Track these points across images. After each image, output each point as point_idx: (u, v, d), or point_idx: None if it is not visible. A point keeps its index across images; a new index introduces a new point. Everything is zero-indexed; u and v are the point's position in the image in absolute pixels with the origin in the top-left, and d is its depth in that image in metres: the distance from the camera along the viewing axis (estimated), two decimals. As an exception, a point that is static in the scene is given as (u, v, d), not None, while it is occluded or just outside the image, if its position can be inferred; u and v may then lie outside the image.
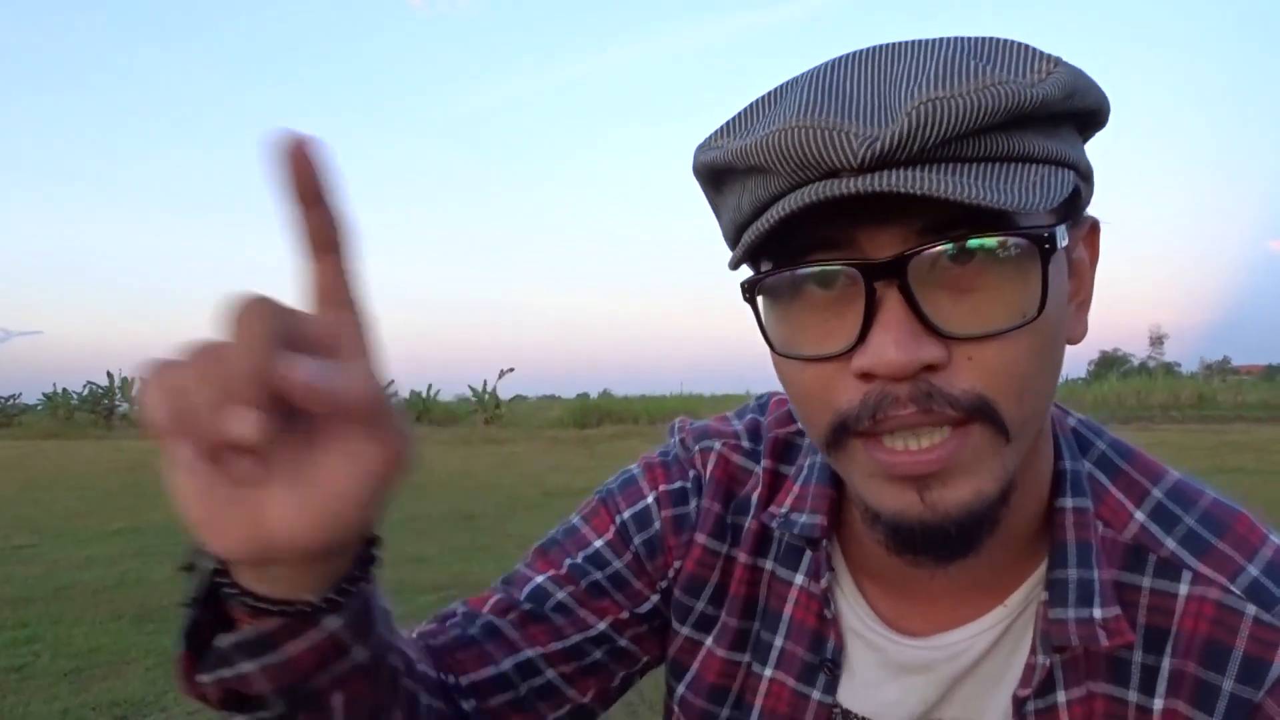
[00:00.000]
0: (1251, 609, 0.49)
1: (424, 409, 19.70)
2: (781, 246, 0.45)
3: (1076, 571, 0.52)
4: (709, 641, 0.63)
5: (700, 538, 0.63)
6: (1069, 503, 0.54)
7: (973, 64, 0.43)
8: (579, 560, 0.63)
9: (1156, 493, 0.55)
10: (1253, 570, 0.51)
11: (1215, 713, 0.49)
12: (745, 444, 0.65)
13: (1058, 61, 0.44)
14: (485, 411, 18.98)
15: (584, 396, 23.37)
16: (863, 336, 0.43)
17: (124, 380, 20.99)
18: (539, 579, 0.63)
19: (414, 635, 0.61)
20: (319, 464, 0.36)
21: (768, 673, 0.61)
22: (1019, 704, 0.53)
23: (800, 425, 0.63)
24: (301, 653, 0.41)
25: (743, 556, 0.62)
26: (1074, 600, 0.51)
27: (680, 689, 0.65)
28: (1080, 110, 0.46)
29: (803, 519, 0.59)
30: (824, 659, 0.59)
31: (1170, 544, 0.53)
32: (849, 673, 0.59)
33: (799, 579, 0.61)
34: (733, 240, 0.50)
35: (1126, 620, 0.51)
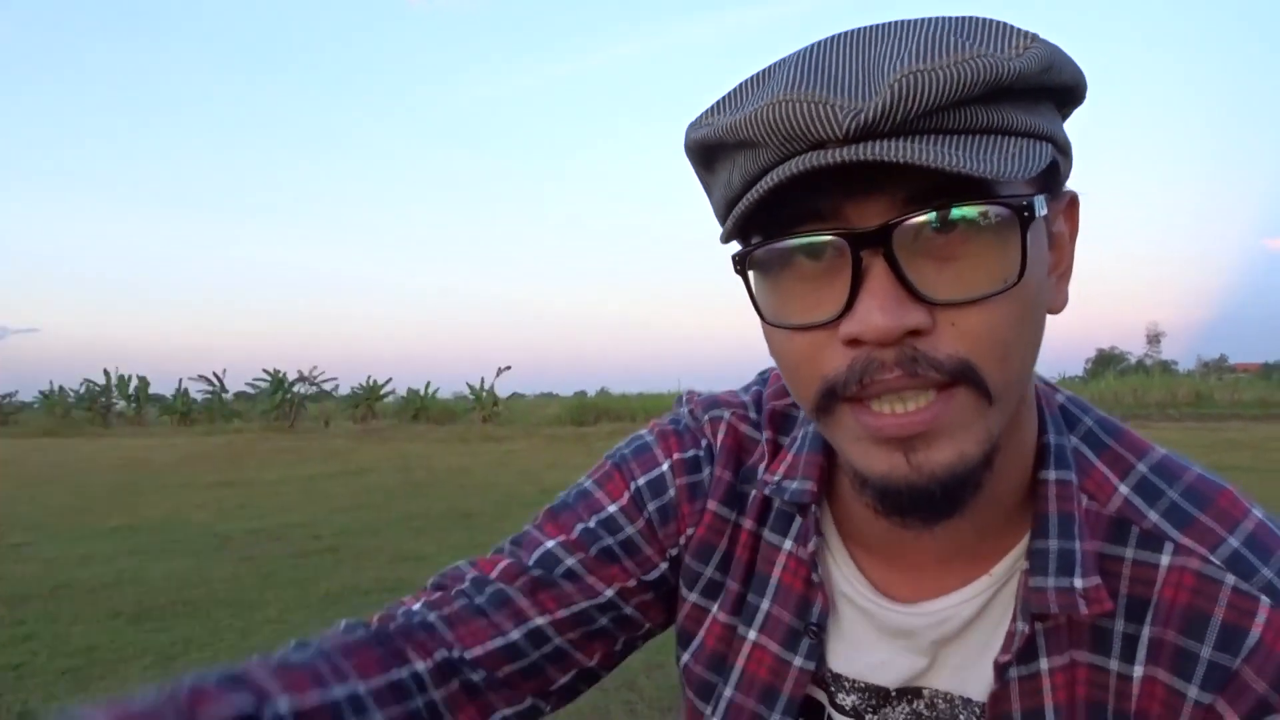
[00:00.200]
0: (1230, 578, 0.51)
1: (422, 406, 19.69)
2: (770, 219, 0.47)
3: (1058, 542, 0.53)
4: (714, 609, 0.64)
5: (712, 504, 0.64)
6: (1052, 475, 0.55)
7: (953, 39, 0.44)
8: (591, 524, 0.64)
9: (1141, 467, 0.56)
10: (1233, 542, 0.52)
11: (1193, 679, 0.50)
12: (752, 415, 0.67)
13: (1035, 37, 0.46)
14: (483, 409, 18.99)
15: (581, 394, 23.38)
16: (849, 304, 0.45)
17: (120, 378, 20.97)
18: (549, 544, 0.63)
19: (417, 604, 0.63)
20: None
21: (751, 635, 0.62)
22: (1000, 670, 0.54)
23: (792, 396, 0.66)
24: None
25: (748, 524, 0.64)
26: (1054, 570, 0.53)
27: (685, 657, 0.66)
28: (1057, 85, 0.47)
29: (794, 485, 0.60)
30: (809, 624, 0.60)
31: (1153, 516, 0.54)
32: (839, 635, 0.60)
33: (787, 544, 0.62)
34: (723, 215, 0.51)
35: (1107, 590, 0.53)
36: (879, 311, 0.44)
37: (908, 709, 0.59)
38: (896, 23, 0.47)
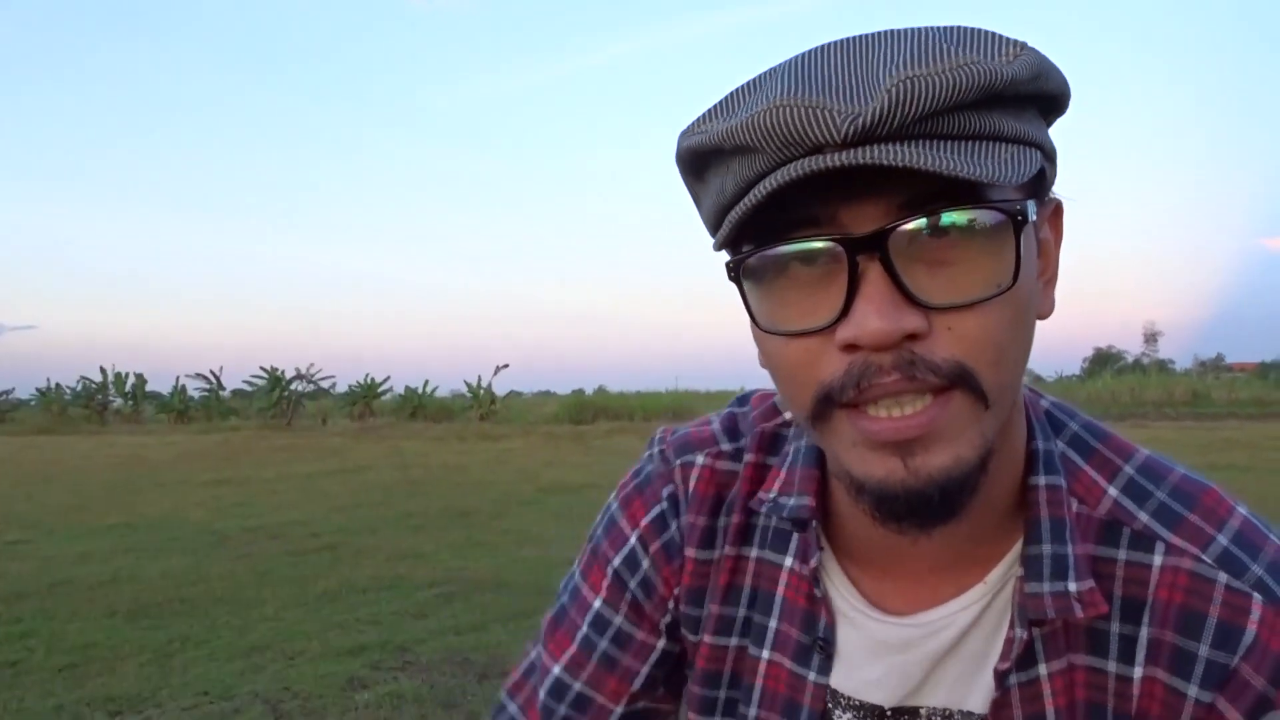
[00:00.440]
0: (1223, 577, 0.52)
1: (419, 405, 19.68)
2: (764, 226, 0.47)
3: (1051, 547, 0.54)
4: (702, 635, 0.65)
5: (690, 552, 0.65)
6: (1041, 480, 0.55)
7: (946, 46, 0.45)
8: (585, 630, 0.66)
9: (1128, 469, 0.57)
10: (1222, 540, 0.53)
11: (1192, 678, 0.51)
12: (725, 446, 0.67)
13: (1025, 46, 0.47)
14: (481, 407, 18.98)
15: (579, 392, 23.38)
16: (846, 309, 0.45)
17: (117, 376, 20.94)
18: (555, 670, 0.67)
19: None
20: None
21: (765, 654, 0.63)
22: (1000, 677, 0.54)
23: (784, 412, 0.66)
24: None
25: (727, 549, 0.64)
26: (1049, 574, 0.53)
27: (689, 685, 0.67)
28: (1045, 93, 0.48)
29: (791, 501, 0.60)
30: (816, 638, 0.60)
31: (1143, 517, 0.55)
32: (836, 654, 0.60)
33: (788, 561, 0.62)
34: (715, 223, 0.51)
35: (1101, 592, 0.53)
36: (876, 316, 0.44)
37: None
38: (888, 31, 0.47)
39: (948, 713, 0.57)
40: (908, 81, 0.42)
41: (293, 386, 19.77)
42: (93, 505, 7.51)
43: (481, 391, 19.41)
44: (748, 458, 0.65)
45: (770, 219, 0.46)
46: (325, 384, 20.45)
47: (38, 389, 21.46)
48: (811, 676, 0.60)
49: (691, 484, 0.65)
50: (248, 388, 20.78)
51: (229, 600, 4.40)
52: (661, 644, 0.66)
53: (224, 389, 21.26)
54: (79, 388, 20.86)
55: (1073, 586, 0.52)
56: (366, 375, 20.64)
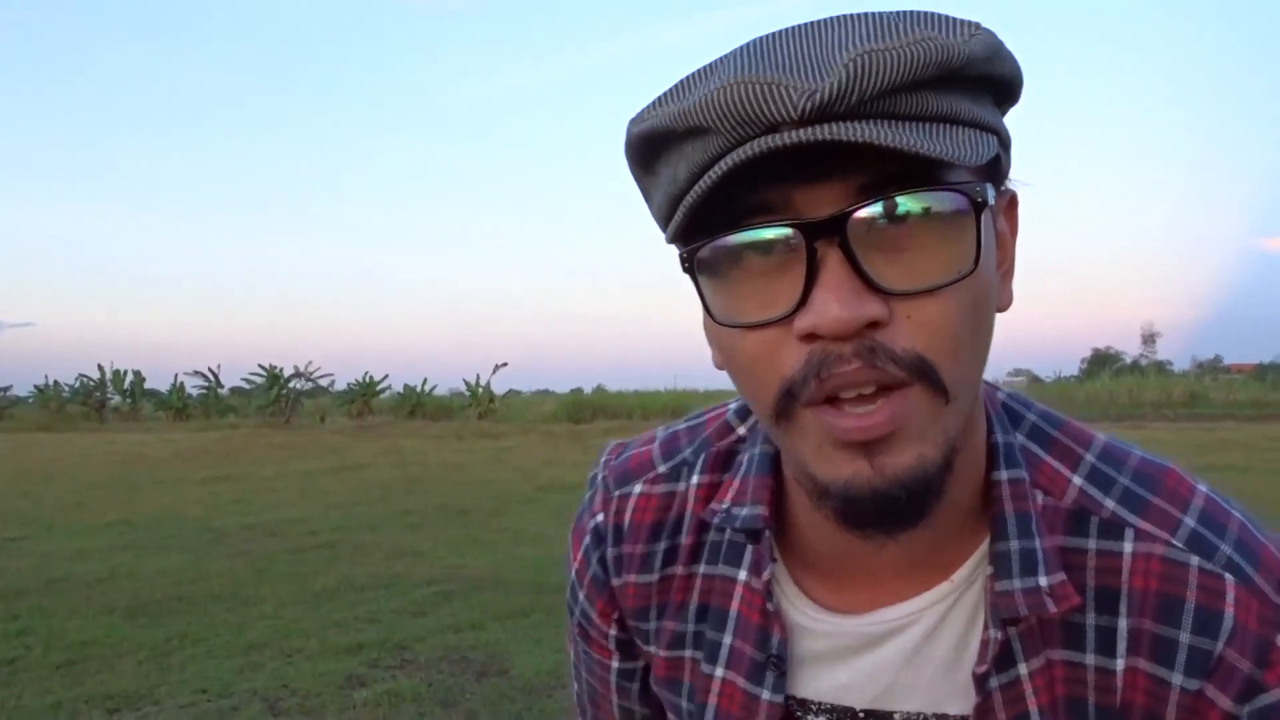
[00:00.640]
0: (1195, 560, 0.51)
1: (418, 403, 19.67)
2: (718, 214, 0.45)
3: (1018, 542, 0.53)
4: (653, 648, 0.66)
5: (630, 578, 0.65)
6: (1004, 475, 0.54)
7: (903, 24, 0.44)
8: (613, 695, 0.71)
9: (1089, 457, 0.56)
10: (1189, 521, 0.53)
11: (1176, 666, 0.51)
12: (662, 469, 0.66)
13: (980, 26, 0.46)
14: (479, 406, 18.97)
15: (578, 391, 23.38)
16: (805, 297, 0.44)
17: (115, 373, 20.93)
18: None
19: None
20: None
21: (719, 672, 0.62)
22: (980, 681, 0.53)
23: (738, 428, 0.65)
24: None
25: (680, 569, 0.64)
26: (1018, 571, 0.52)
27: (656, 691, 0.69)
28: (1000, 77, 0.47)
29: (744, 511, 0.58)
30: (770, 655, 0.59)
31: (1110, 504, 0.54)
32: (798, 661, 0.59)
33: (742, 575, 0.61)
34: (667, 215, 0.49)
35: (1074, 584, 0.52)
36: (836, 303, 0.43)
37: None
38: (843, 15, 0.46)
39: (924, 717, 0.56)
40: (865, 56, 0.41)
41: (291, 384, 19.75)
42: (91, 503, 7.51)
43: (480, 390, 19.40)
44: (700, 479, 0.64)
45: (723, 207, 0.45)
46: (324, 382, 20.46)
47: (36, 386, 21.46)
48: (765, 695, 0.59)
49: (628, 515, 0.65)
50: (246, 385, 20.78)
51: (227, 598, 4.40)
52: (616, 662, 0.69)
53: (222, 387, 21.26)
54: (77, 385, 20.86)
55: (1044, 581, 0.51)
56: (365, 373, 20.66)
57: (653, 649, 0.66)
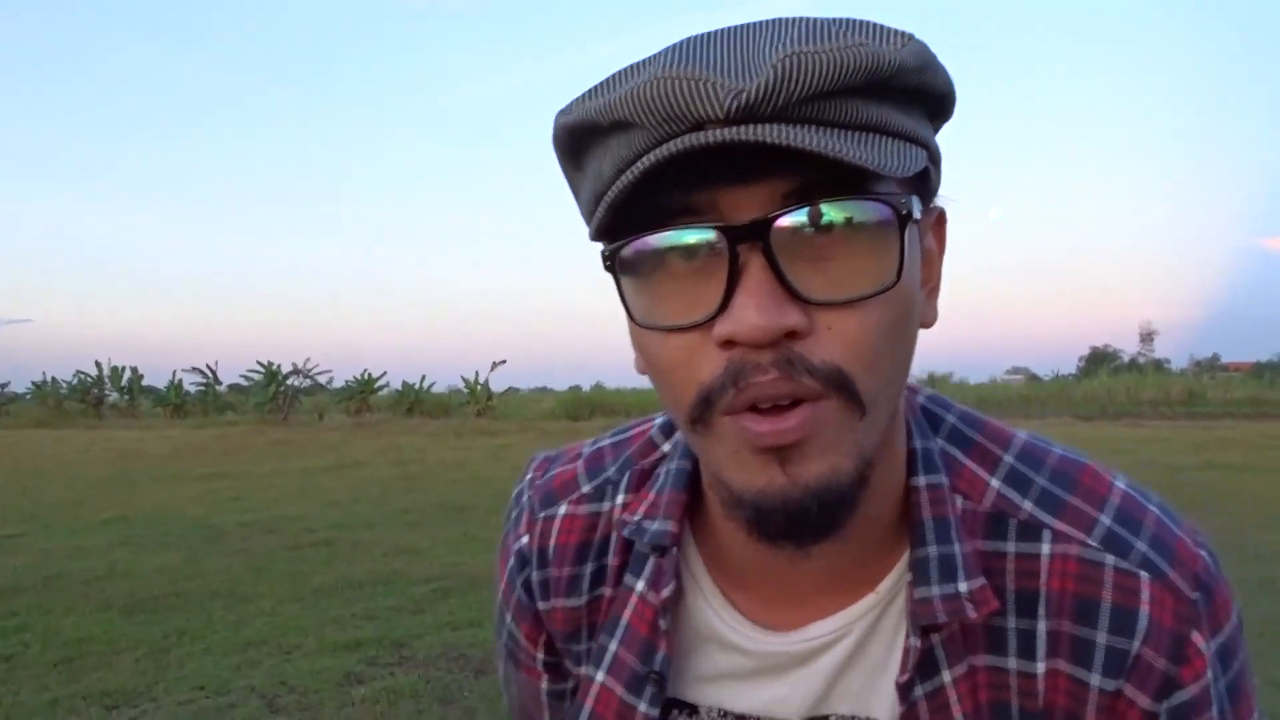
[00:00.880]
0: (1110, 559, 0.51)
1: (416, 400, 19.66)
2: (641, 213, 0.44)
3: (936, 548, 0.52)
4: (594, 671, 0.63)
5: (556, 602, 0.64)
6: (922, 481, 0.54)
7: (834, 29, 0.43)
8: (546, 714, 0.69)
9: (1008, 458, 0.56)
10: (1105, 520, 0.53)
11: (1094, 667, 0.51)
12: (586, 489, 0.65)
13: (912, 36, 0.45)
14: (477, 403, 18.96)
15: (576, 389, 23.40)
16: (725, 303, 0.43)
17: (113, 370, 20.90)
18: None
19: None
20: None
21: (599, 676, 0.61)
22: (903, 691, 0.52)
23: (661, 445, 0.64)
24: None
25: (608, 591, 0.62)
26: (937, 577, 0.52)
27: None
28: (931, 90, 0.47)
29: (654, 526, 0.58)
30: (651, 670, 0.58)
31: (1027, 506, 0.54)
32: (732, 679, 0.58)
33: (639, 585, 0.60)
34: (591, 211, 0.48)
35: (994, 588, 0.52)
36: (756, 311, 0.42)
37: None
38: (776, 18, 0.45)
39: (855, 718, 0.56)
40: (793, 58, 0.41)
41: (289, 381, 19.72)
42: (88, 499, 7.50)
43: (478, 387, 19.38)
44: (624, 498, 0.63)
45: (647, 207, 0.44)
46: (322, 379, 20.42)
47: (33, 383, 21.41)
48: (643, 707, 0.58)
49: (553, 538, 0.64)
50: (244, 382, 20.76)
51: (225, 595, 4.39)
52: (545, 684, 0.67)
53: (220, 384, 21.21)
54: (74, 381, 20.80)
55: (963, 587, 0.51)
56: (363, 370, 20.59)
57: (586, 670, 0.64)
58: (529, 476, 0.68)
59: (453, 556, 5.17)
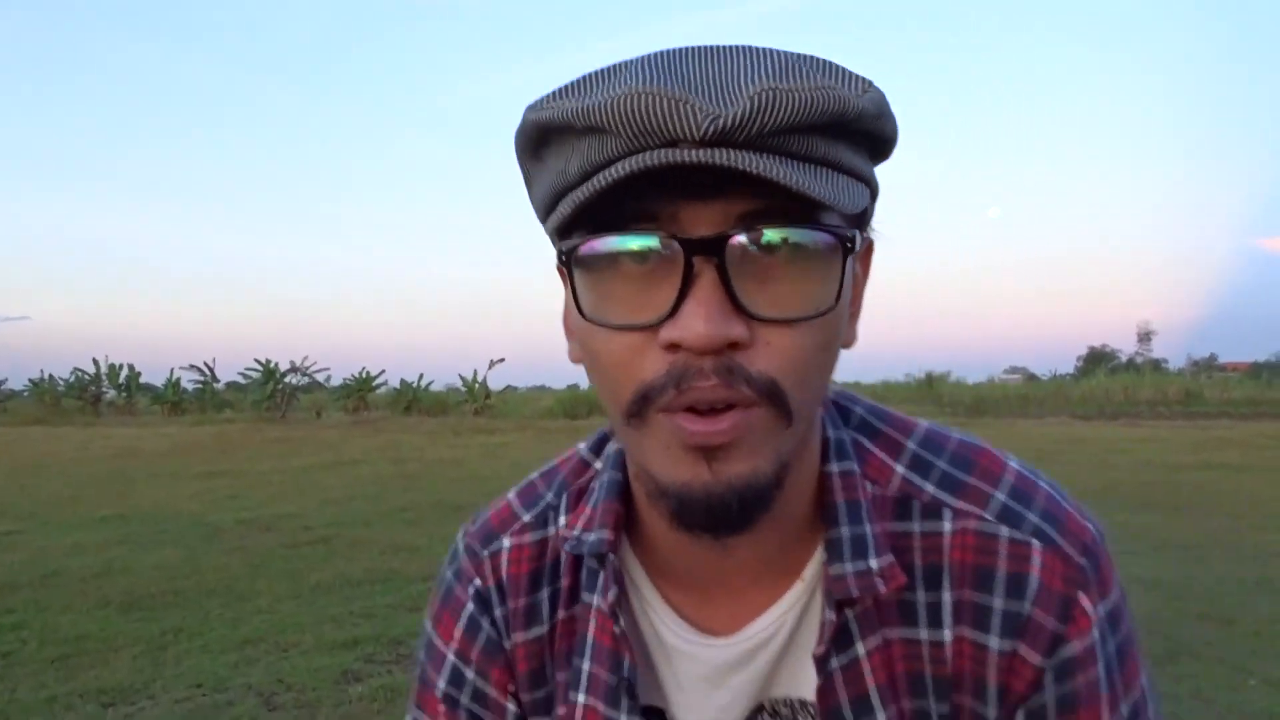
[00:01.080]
0: (1005, 531, 0.56)
1: (414, 398, 19.65)
2: (601, 215, 0.46)
3: (849, 529, 0.56)
4: (558, 709, 0.63)
5: (519, 637, 0.63)
6: (835, 467, 0.58)
7: (804, 69, 0.46)
8: None
9: (911, 445, 0.60)
10: (1000, 496, 0.57)
11: (992, 630, 0.55)
12: (526, 518, 0.66)
13: (871, 83, 0.48)
14: (475, 402, 18.95)
15: (574, 387, 23.36)
16: (675, 309, 0.45)
17: (111, 367, 20.87)
18: None
19: None
20: None
21: (581, 699, 0.62)
22: (820, 663, 0.56)
23: (593, 463, 0.66)
24: None
25: (561, 615, 0.63)
26: (849, 555, 0.55)
27: None
28: (880, 135, 0.50)
29: (591, 536, 0.59)
30: (621, 678, 0.59)
31: (930, 489, 0.58)
32: (678, 687, 0.60)
33: (596, 599, 0.61)
34: (549, 206, 0.51)
35: (902, 565, 0.56)
36: (704, 320, 0.44)
37: None
38: (745, 46, 0.48)
39: (789, 701, 0.59)
40: (770, 92, 0.43)
41: (287, 379, 19.70)
42: (86, 497, 7.49)
43: (476, 386, 19.37)
44: (566, 519, 0.64)
45: (608, 209, 0.46)
46: (320, 377, 20.41)
47: (31, 380, 21.41)
48: (623, 718, 0.60)
49: (504, 570, 0.64)
50: (242, 380, 20.73)
51: (222, 592, 4.39)
52: None
53: (218, 381, 21.20)
54: (72, 379, 20.79)
55: (874, 564, 0.55)
56: (361, 369, 20.58)
57: (549, 716, 0.63)
58: (460, 539, 0.69)
59: (450, 554, 5.17)
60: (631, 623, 0.61)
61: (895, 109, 0.51)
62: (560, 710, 0.63)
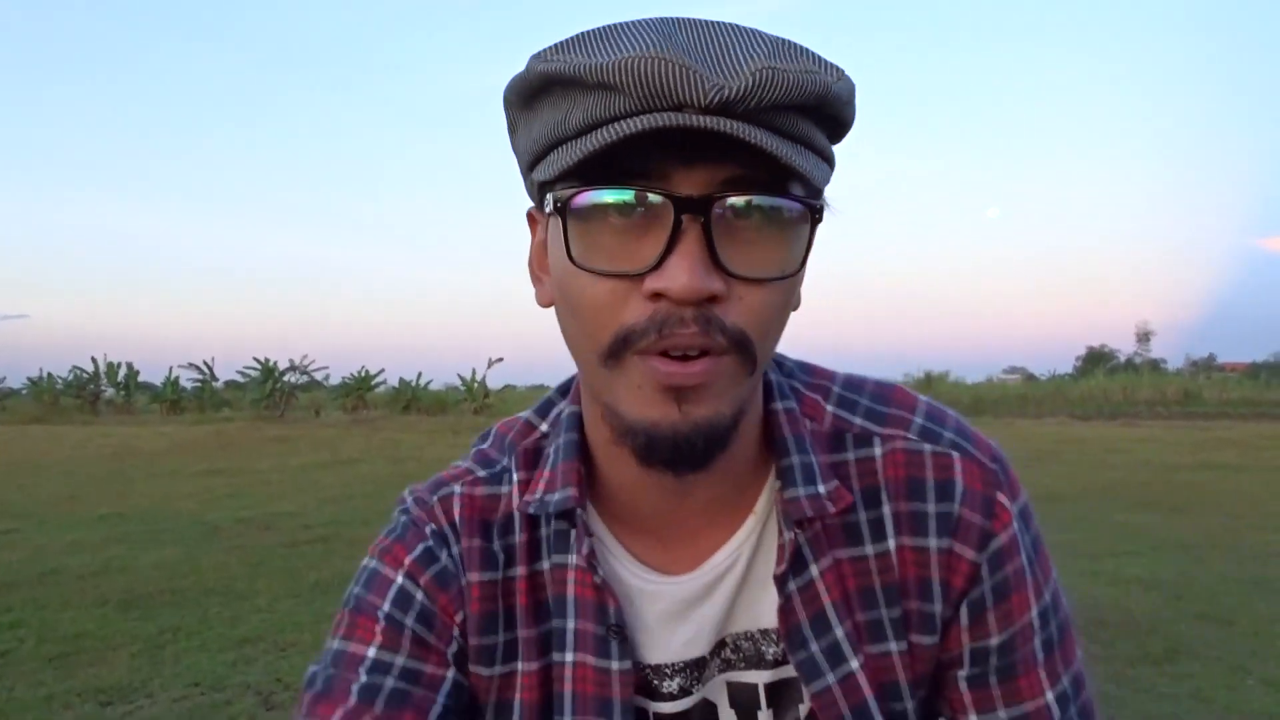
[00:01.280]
0: (927, 446, 0.63)
1: (413, 397, 19.63)
2: (595, 168, 0.50)
3: (799, 458, 0.61)
4: (519, 665, 0.63)
5: (474, 576, 0.63)
6: (779, 406, 0.63)
7: (793, 52, 0.51)
8: (364, 679, 0.58)
9: (835, 388, 0.67)
10: (918, 420, 0.65)
11: (929, 533, 0.62)
12: (481, 474, 0.67)
13: (843, 71, 0.53)
14: (474, 401, 18.94)
15: (573, 386, 23.23)
16: (661, 261, 0.49)
17: (109, 366, 20.85)
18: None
19: None
20: None
21: (569, 658, 0.62)
22: (780, 582, 0.60)
23: (539, 425, 0.68)
24: None
25: (521, 570, 0.63)
26: (801, 480, 0.60)
27: None
28: (843, 120, 0.54)
29: (555, 496, 0.61)
30: (609, 625, 0.61)
31: (858, 421, 0.65)
32: (644, 629, 0.63)
33: (572, 559, 0.63)
34: (540, 154, 0.54)
35: (844, 489, 0.62)
36: (688, 273, 0.48)
37: (719, 663, 0.64)
38: (735, 24, 0.52)
39: (749, 634, 0.63)
40: (768, 70, 0.47)
41: (286, 378, 19.68)
42: (84, 495, 7.49)
43: (475, 385, 19.36)
44: (520, 476, 0.65)
45: (603, 161, 0.49)
46: (319, 376, 20.39)
47: (29, 378, 21.37)
48: (615, 665, 0.61)
49: (456, 512, 0.65)
50: (240, 379, 20.70)
51: (221, 591, 4.39)
52: (451, 674, 0.61)
53: (217, 380, 21.18)
54: (71, 377, 20.76)
55: (822, 489, 0.60)
56: (360, 367, 20.56)
57: (494, 669, 0.63)
58: (405, 494, 0.69)
59: (449, 553, 5.17)
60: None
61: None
62: (525, 667, 0.63)
